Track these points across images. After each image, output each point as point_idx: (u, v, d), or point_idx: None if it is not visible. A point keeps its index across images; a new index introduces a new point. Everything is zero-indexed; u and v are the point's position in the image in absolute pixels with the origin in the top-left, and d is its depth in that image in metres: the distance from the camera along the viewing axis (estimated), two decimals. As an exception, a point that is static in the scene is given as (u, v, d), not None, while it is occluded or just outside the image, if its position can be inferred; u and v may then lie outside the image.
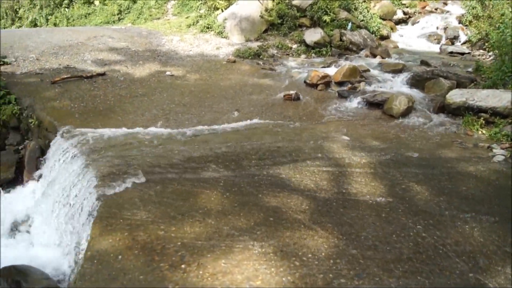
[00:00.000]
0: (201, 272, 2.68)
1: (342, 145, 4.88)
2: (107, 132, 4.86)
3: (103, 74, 6.97)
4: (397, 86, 7.14)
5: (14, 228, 4.66)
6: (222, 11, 10.24)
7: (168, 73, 7.27)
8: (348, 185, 3.98)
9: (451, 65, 8.44)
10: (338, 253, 2.97)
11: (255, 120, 5.61)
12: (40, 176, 5.04)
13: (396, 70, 7.71)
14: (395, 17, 12.25)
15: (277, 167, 4.21)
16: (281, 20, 9.89)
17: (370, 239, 3.17)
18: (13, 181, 5.23)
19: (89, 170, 4.03)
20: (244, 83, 7.09)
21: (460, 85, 6.81)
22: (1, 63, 7.43)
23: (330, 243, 3.09)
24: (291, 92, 6.51)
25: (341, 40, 9.46)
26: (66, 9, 15.30)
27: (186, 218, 3.26)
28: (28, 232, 4.55)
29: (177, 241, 2.98)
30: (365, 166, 4.38)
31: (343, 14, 10.08)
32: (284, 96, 6.48)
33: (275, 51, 9.07)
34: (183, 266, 2.73)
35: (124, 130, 4.97)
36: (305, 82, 7.22)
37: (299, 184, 3.92)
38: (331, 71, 7.61)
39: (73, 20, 14.78)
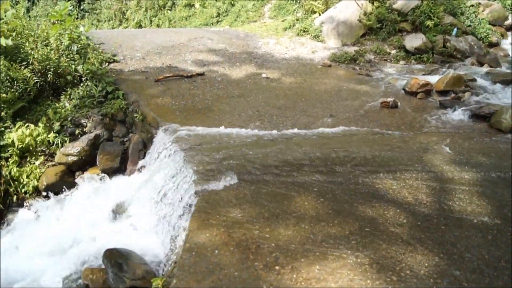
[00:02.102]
0: (294, 276, 2.67)
1: (444, 159, 4.59)
2: (205, 130, 5.05)
3: (202, 74, 7.26)
4: (507, 98, 6.59)
5: (116, 213, 5.01)
6: (319, 14, 10.19)
7: (263, 75, 7.37)
8: (450, 202, 3.73)
9: None
10: (439, 272, 2.80)
11: (350, 127, 5.48)
12: (142, 167, 5.37)
13: (507, 81, 7.12)
14: (506, 23, 11.29)
15: (373, 177, 4.08)
16: (380, 24, 9.60)
17: (475, 262, 2.94)
18: (118, 170, 5.62)
19: (188, 166, 4.20)
20: (339, 88, 6.98)
21: None
22: (112, 61, 8.07)
23: (430, 261, 2.91)
24: (389, 99, 6.28)
25: (444, 46, 8.95)
26: (169, 11, 16.18)
27: (280, 220, 3.27)
28: (128, 218, 4.87)
29: (271, 242, 3.00)
30: (469, 183, 4.08)
31: (448, 19, 9.52)
32: (381, 103, 6.26)
33: (372, 57, 8.82)
34: (277, 267, 2.74)
35: (221, 129, 5.13)
36: (403, 89, 6.92)
37: (396, 196, 3.76)
38: (433, 79, 7.22)
39: (175, 21, 15.60)
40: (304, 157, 4.43)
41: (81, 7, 18.39)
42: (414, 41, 8.98)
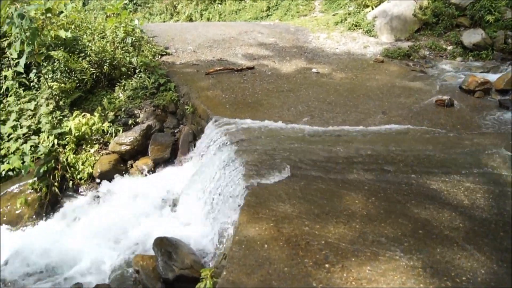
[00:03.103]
0: (345, 275, 2.63)
1: (503, 161, 4.37)
2: (255, 123, 5.05)
3: (252, 68, 7.27)
4: None
5: (166, 203, 5.13)
6: (372, 8, 9.93)
7: (314, 70, 7.29)
8: (509, 207, 3.55)
9: None
10: (498, 281, 2.67)
11: (403, 125, 5.33)
12: (191, 159, 5.47)
13: None
14: None
15: (427, 177, 3.94)
16: (436, 19, 9.23)
17: (536, 272, 2.79)
18: (168, 160, 5.74)
19: (238, 159, 4.23)
20: (392, 84, 6.79)
21: None
22: (164, 53, 8.24)
23: (488, 268, 2.78)
24: (444, 97, 6.03)
25: (505, 43, 8.49)
26: (219, 5, 16.30)
27: (330, 218, 3.23)
28: (177, 208, 4.98)
29: (321, 239, 2.97)
30: (531, 187, 3.87)
31: (510, 14, 9.01)
32: (436, 101, 6.03)
33: (427, 52, 8.51)
34: (327, 265, 2.71)
35: (271, 123, 5.12)
36: (460, 87, 6.64)
37: (452, 199, 3.62)
38: (492, 77, 6.88)
39: (225, 15, 15.70)
40: (355, 154, 4.35)
41: (134, 1, 18.87)
42: (472, 37, 8.58)
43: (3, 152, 5.81)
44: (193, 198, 4.79)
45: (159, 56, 7.91)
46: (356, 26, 9.72)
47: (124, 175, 5.70)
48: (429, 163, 4.22)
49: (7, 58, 6.81)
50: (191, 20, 17.02)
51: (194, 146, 5.60)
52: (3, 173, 5.74)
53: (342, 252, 2.84)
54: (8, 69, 6.67)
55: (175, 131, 6.09)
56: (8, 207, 5.43)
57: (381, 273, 2.65)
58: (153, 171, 5.62)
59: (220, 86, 6.45)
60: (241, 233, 3.04)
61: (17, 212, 5.35)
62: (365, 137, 4.87)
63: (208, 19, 16.24)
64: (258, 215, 3.24)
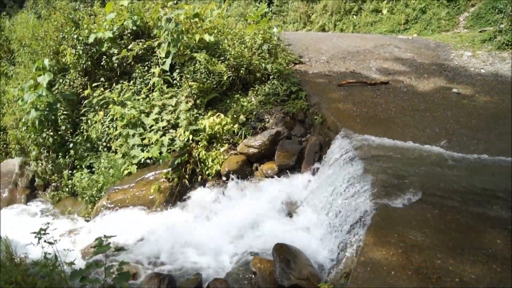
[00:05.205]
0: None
1: None
2: (386, 141, 4.86)
3: (386, 83, 7.03)
4: None
5: (287, 209, 5.19)
6: (529, 27, 8.97)
7: (454, 90, 6.79)
8: None
9: None
10: None
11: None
12: (316, 170, 5.45)
13: None
14: None
15: None
16: None
17: None
18: (292, 168, 5.80)
19: (366, 176, 4.11)
20: (547, 114, 6.02)
21: None
22: (297, 62, 8.37)
23: None
24: None
25: None
26: (354, 16, 16.09)
27: (466, 255, 2.97)
28: (297, 217, 5.00)
29: (455, 276, 2.74)
30: None
31: None
32: None
33: None
34: (461, 307, 2.49)
35: (402, 142, 4.87)
36: None
37: None
38: None
39: (359, 27, 15.46)
40: (497, 188, 3.94)
41: (270, 9, 19.51)
42: None
43: (145, 141, 6.43)
44: (315, 208, 4.78)
45: (293, 64, 8.06)
46: (507, 45, 8.84)
47: (249, 176, 5.90)
48: None
49: (156, 57, 7.53)
50: (323, 30, 17.08)
51: (320, 157, 5.58)
52: (142, 160, 6.36)
53: (479, 294, 2.59)
54: (156, 67, 7.36)
55: (302, 140, 6.13)
56: (143, 192, 5.98)
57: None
58: (277, 176, 5.72)
59: (351, 99, 6.34)
60: (367, 254, 2.94)
61: (150, 197, 5.87)
62: (506, 170, 4.38)
63: (341, 30, 16.14)
64: (386, 238, 3.11)
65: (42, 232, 3.20)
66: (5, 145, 8.57)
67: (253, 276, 4.13)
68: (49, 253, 3.22)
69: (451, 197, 3.75)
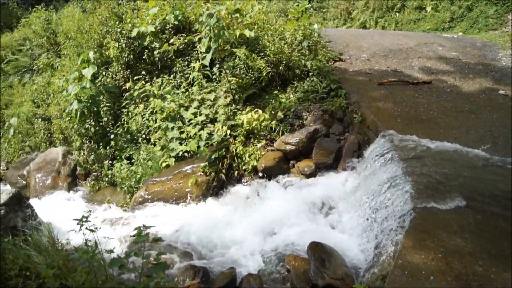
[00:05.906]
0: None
1: None
2: (428, 143, 4.72)
3: (429, 83, 6.84)
4: None
5: (322, 207, 5.15)
6: None
7: (501, 91, 6.53)
8: None
9: None
10: None
11: None
12: (353, 169, 5.38)
13: None
14: None
15: None
16: None
17: None
18: (330, 166, 5.75)
19: (406, 178, 4.02)
20: None
21: None
22: (337, 59, 8.26)
23: None
24: None
25: None
26: (397, 13, 15.71)
27: (509, 262, 2.86)
28: (333, 215, 4.96)
29: (497, 285, 2.65)
30: None
31: None
32: None
33: None
34: (503, 316, 2.41)
35: (445, 144, 4.72)
36: None
37: None
38: None
39: (401, 24, 15.08)
40: (546, 195, 3.77)
41: (310, 5, 19.34)
42: None
43: (183, 135, 6.52)
44: (352, 208, 4.73)
45: (333, 62, 7.97)
46: (560, 46, 8.43)
47: (286, 173, 5.89)
48: None
49: (196, 52, 7.61)
50: (364, 27, 16.78)
51: (358, 156, 5.50)
52: (180, 153, 6.46)
53: (523, 305, 2.49)
54: (196, 62, 7.44)
55: (340, 138, 6.05)
56: (180, 184, 6.07)
57: None
58: (314, 175, 5.68)
59: (392, 98, 6.20)
60: (405, 257, 2.88)
61: (187, 190, 5.95)
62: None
63: (383, 27, 15.80)
64: (425, 242, 3.04)
65: (84, 219, 3.30)
66: (49, 134, 8.92)
67: (287, 273, 4.13)
68: (90, 240, 3.32)
69: (494, 203, 3.62)
